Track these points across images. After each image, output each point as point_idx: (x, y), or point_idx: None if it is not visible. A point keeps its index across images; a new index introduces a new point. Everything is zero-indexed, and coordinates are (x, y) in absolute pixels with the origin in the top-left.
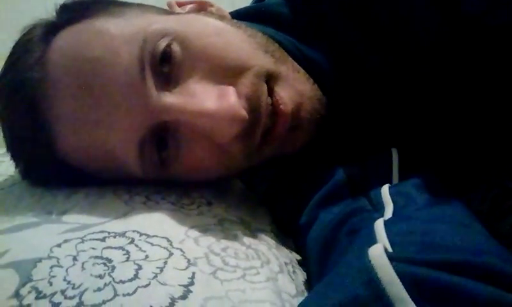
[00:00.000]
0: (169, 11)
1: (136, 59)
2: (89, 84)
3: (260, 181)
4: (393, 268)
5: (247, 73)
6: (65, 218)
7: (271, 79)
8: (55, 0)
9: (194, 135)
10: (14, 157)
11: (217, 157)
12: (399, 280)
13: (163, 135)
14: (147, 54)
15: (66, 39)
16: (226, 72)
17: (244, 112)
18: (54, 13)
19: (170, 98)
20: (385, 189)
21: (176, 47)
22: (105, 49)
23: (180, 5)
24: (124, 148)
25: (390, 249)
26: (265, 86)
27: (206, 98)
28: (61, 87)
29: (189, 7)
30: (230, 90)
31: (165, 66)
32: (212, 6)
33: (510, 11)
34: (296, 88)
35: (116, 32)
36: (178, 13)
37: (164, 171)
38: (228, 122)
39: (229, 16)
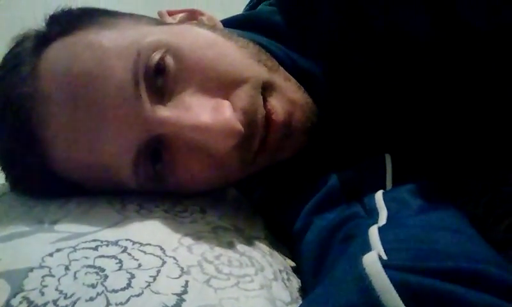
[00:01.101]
0: (160, 21)
1: (130, 73)
2: (82, 98)
3: (254, 188)
4: (388, 276)
5: (243, 85)
6: (57, 227)
7: (266, 89)
8: (45, 6)
9: (189, 148)
10: (4, 168)
11: (212, 168)
12: (393, 288)
13: (158, 148)
14: (141, 68)
15: (57, 52)
16: (220, 84)
17: (239, 126)
18: (44, 24)
19: (165, 112)
20: (379, 195)
21: (169, 60)
22: (98, 63)
23: (170, 14)
24: (118, 161)
25: (384, 257)
26: (261, 97)
27: (201, 112)
28: (52, 102)
29: (180, 16)
30: (226, 104)
31: (159, 79)
32: (203, 14)
33: (503, 16)
34: (287, 97)
35: (109, 45)
36: (169, 24)
37: (159, 183)
38: (223, 136)
39: (220, 25)
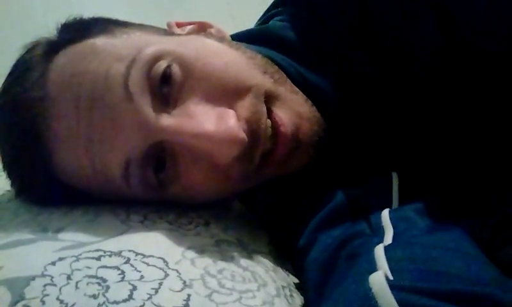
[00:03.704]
0: (169, 32)
1: (122, 78)
2: (83, 103)
3: (259, 203)
4: (394, 297)
5: (247, 95)
6: (61, 235)
7: (269, 100)
8: (57, 19)
9: (193, 156)
10: (10, 175)
11: (215, 178)
12: None
13: (161, 156)
14: (136, 73)
15: (66, 58)
16: (225, 93)
17: (243, 135)
18: (56, 32)
19: (169, 120)
20: (385, 214)
21: (175, 68)
22: (98, 68)
23: (179, 26)
24: (120, 168)
25: (390, 277)
26: (265, 107)
27: (205, 120)
28: (59, 106)
29: (188, 28)
30: (230, 112)
31: (164, 87)
32: (211, 27)
33: (500, 41)
34: (294, 109)
35: (111, 51)
36: (178, 35)
37: (161, 192)
38: (227, 144)
39: (229, 38)
